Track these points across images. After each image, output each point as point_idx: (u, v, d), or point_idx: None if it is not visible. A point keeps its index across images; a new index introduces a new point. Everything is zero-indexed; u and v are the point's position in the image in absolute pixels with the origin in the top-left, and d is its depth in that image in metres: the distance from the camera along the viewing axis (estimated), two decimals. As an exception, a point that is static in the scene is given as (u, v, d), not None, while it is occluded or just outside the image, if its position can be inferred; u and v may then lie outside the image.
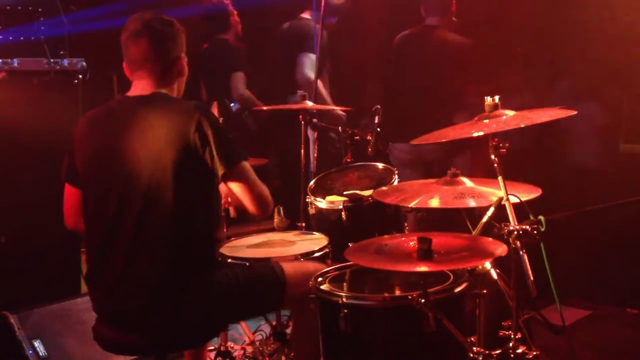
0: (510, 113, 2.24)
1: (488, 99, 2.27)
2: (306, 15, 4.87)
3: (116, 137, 2.45)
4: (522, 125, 2.16)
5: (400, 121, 4.16)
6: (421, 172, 4.35)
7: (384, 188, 2.84)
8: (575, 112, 2.20)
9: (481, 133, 2.16)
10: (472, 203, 2.31)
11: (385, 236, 2.57)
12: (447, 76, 4.37)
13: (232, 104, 4.84)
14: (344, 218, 3.02)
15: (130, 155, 2.40)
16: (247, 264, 2.77)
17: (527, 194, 2.30)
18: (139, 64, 2.52)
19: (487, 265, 2.31)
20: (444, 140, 2.26)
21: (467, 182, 2.46)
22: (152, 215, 2.38)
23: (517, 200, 2.21)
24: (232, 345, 3.34)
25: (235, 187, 2.51)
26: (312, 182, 3.40)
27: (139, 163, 2.39)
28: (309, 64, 4.64)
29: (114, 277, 2.42)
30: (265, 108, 4.04)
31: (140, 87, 2.53)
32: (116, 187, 2.43)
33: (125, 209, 2.40)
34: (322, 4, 4.13)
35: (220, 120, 3.24)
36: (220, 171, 2.42)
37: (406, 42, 4.55)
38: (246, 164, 2.50)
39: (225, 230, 3.30)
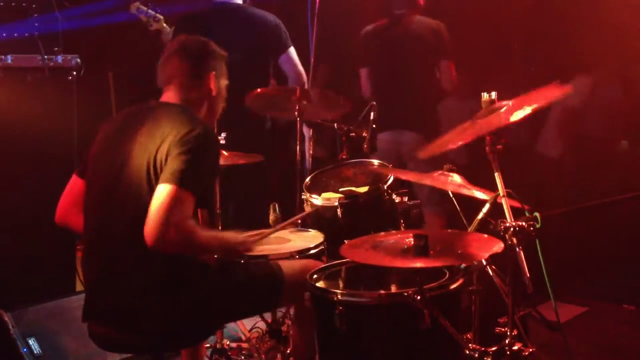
0: (505, 105, 2.24)
1: (484, 95, 2.26)
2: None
3: (123, 135, 2.47)
4: (524, 113, 2.14)
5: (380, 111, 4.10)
6: (394, 162, 4.22)
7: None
8: (570, 89, 2.17)
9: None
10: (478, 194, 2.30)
11: (381, 233, 2.56)
12: (420, 60, 4.39)
13: None
14: (340, 215, 3.01)
15: (127, 153, 2.42)
16: (242, 261, 2.76)
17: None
18: (168, 80, 2.59)
19: (483, 261, 2.30)
20: (452, 147, 2.26)
21: (458, 179, 2.46)
22: (138, 211, 2.35)
23: (512, 198, 2.20)
24: (228, 342, 3.33)
25: (155, 202, 2.26)
26: (307, 179, 3.39)
27: (132, 163, 2.39)
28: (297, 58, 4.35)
29: (105, 274, 2.43)
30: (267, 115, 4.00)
31: (166, 97, 2.59)
32: (108, 182, 2.44)
33: (114, 204, 2.41)
34: (317, 2, 4.12)
35: None
36: (163, 181, 2.28)
37: (373, 33, 4.58)
38: (184, 194, 2.26)
39: (220, 228, 3.29)
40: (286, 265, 2.65)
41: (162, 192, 2.25)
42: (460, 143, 2.23)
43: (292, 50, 4.31)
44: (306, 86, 4.24)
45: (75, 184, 2.64)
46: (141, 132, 2.43)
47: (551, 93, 2.19)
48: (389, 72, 4.49)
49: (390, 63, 4.48)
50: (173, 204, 2.23)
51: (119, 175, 2.41)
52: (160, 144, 2.35)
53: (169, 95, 2.59)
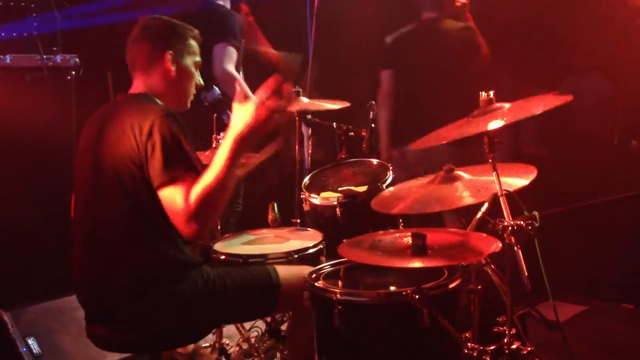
0: (505, 105, 2.23)
1: (483, 94, 2.26)
2: None
3: (95, 134, 2.47)
4: (519, 119, 2.13)
5: (412, 123, 3.71)
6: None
7: (385, 194, 2.68)
8: (571, 98, 2.16)
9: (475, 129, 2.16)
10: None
11: (380, 232, 2.56)
12: (455, 69, 4.10)
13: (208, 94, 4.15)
14: (339, 214, 3.02)
15: (98, 152, 2.41)
16: (241, 260, 2.77)
17: (524, 175, 2.29)
18: (132, 66, 2.55)
19: (482, 261, 2.30)
20: (444, 142, 2.24)
21: (465, 175, 2.43)
22: (117, 212, 2.37)
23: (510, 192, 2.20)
24: (227, 342, 3.33)
25: (165, 206, 2.27)
26: (306, 179, 3.39)
27: (103, 161, 2.39)
28: (229, 57, 4.10)
29: (99, 275, 2.43)
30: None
31: (133, 86, 2.55)
32: (87, 185, 2.46)
33: (95, 207, 2.42)
34: (315, 3, 4.12)
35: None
36: (155, 182, 2.28)
37: (404, 40, 4.29)
38: (183, 182, 2.25)
39: (219, 227, 3.29)
40: (283, 271, 2.64)
41: (165, 196, 2.26)
42: (454, 138, 2.23)
43: (226, 47, 4.06)
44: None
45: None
46: (107, 131, 2.41)
47: (550, 101, 2.18)
48: (419, 79, 4.15)
49: (421, 69, 4.14)
50: (179, 198, 2.23)
51: (95, 178, 2.42)
52: (125, 142, 2.33)
53: (135, 85, 2.54)
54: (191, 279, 2.43)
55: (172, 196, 2.26)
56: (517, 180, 2.27)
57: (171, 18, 2.60)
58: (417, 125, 3.81)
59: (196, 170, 2.32)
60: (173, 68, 2.52)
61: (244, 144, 2.25)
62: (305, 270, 2.59)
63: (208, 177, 2.23)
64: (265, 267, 2.66)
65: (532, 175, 2.30)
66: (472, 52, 4.16)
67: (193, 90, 2.62)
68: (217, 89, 4.14)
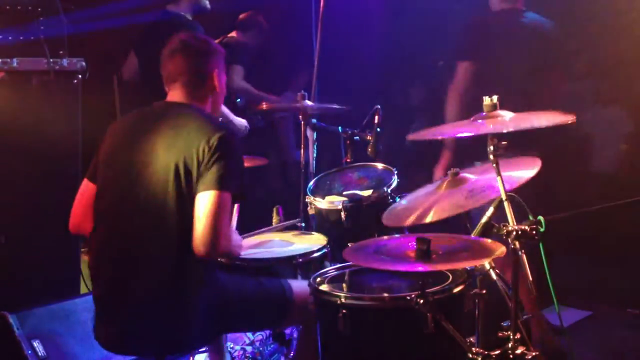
0: (509, 114, 2.24)
1: (486, 99, 2.26)
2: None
3: (138, 139, 2.48)
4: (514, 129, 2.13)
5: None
6: None
7: (396, 209, 2.56)
8: (573, 118, 2.16)
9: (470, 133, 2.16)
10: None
11: (385, 236, 2.57)
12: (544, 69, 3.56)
13: (238, 100, 5.00)
14: (344, 218, 3.02)
15: (146, 159, 2.43)
16: (245, 264, 2.77)
17: (529, 167, 2.29)
18: (173, 78, 2.61)
19: (486, 265, 2.31)
20: (439, 138, 2.24)
21: (471, 176, 2.43)
22: (164, 215, 2.38)
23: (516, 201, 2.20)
24: (231, 345, 3.33)
25: (201, 211, 2.33)
26: (311, 182, 3.40)
27: (153, 168, 2.41)
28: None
29: (113, 276, 2.44)
30: (265, 106, 4.02)
31: (172, 96, 2.60)
32: (124, 186, 2.46)
33: (131, 208, 2.43)
34: (321, 5, 4.12)
35: None
36: (205, 188, 2.34)
37: (485, 23, 3.68)
38: (227, 197, 2.36)
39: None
40: (297, 286, 2.65)
41: (208, 199, 2.33)
42: (454, 135, 2.23)
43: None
44: None
45: (86, 189, 2.63)
46: (159, 136, 2.44)
47: (554, 118, 2.18)
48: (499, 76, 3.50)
49: (510, 61, 3.51)
50: (219, 210, 2.32)
51: (137, 180, 2.42)
52: (187, 150, 2.37)
53: (176, 95, 2.60)
54: (206, 288, 2.44)
55: (218, 204, 2.32)
56: (523, 173, 2.27)
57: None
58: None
59: (244, 198, 2.48)
60: (218, 84, 2.65)
61: None
62: None
63: None
64: (279, 280, 2.68)
65: (537, 167, 2.30)
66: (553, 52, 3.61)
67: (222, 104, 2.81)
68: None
